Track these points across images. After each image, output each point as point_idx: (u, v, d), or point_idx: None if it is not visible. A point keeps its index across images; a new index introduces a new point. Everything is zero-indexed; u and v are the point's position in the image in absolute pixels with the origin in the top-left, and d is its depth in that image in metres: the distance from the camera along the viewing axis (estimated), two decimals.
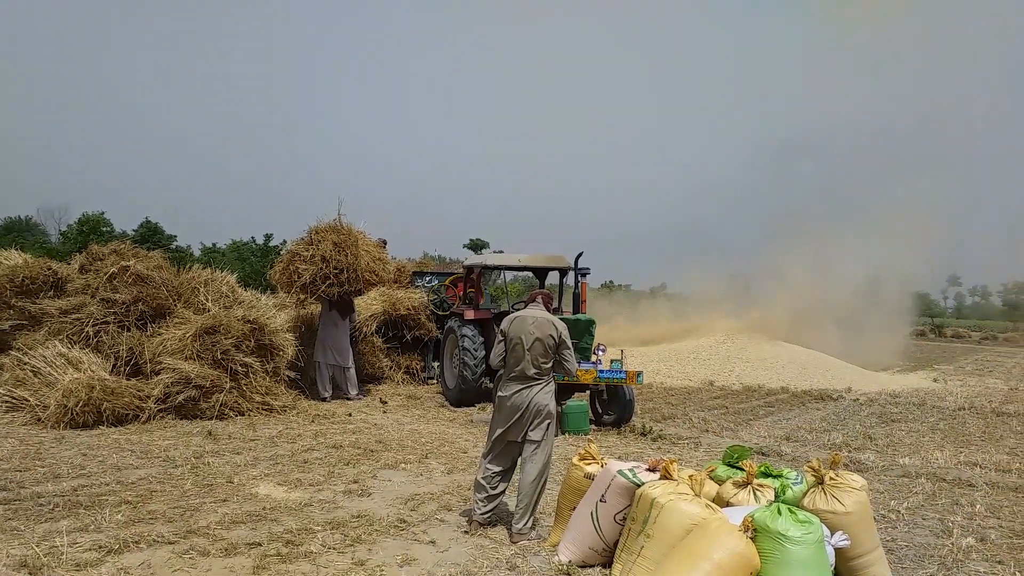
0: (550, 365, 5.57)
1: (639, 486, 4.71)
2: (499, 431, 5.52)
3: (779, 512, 4.04)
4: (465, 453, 8.11)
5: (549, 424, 5.52)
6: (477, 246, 68.68)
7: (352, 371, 11.51)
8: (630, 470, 4.82)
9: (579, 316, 10.13)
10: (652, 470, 4.82)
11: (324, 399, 11.15)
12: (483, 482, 5.52)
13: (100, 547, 4.82)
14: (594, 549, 4.85)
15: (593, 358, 10.01)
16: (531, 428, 5.47)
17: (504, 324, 5.66)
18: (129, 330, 9.83)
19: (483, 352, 11.03)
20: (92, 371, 9.00)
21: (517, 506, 5.43)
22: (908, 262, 34.07)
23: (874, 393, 15.46)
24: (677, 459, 4.84)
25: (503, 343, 5.59)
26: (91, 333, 9.69)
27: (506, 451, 5.57)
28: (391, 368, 12.91)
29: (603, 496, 4.83)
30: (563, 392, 10.31)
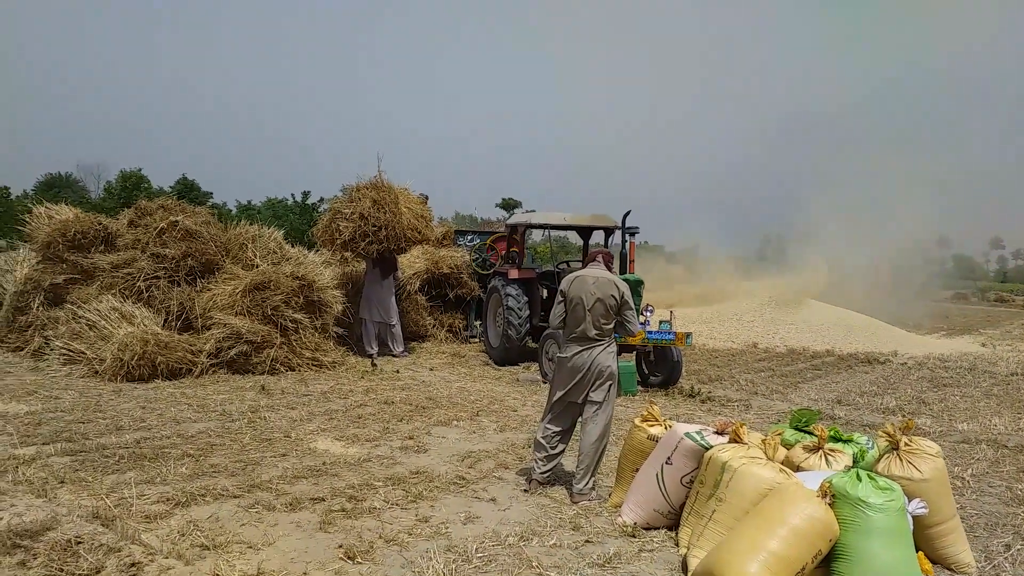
0: (611, 326, 5.47)
1: (707, 449, 4.63)
2: (559, 393, 5.47)
3: (859, 478, 3.93)
4: (515, 412, 8.10)
5: (611, 385, 5.45)
6: (509, 205, 68.46)
7: (398, 328, 11.53)
8: (698, 432, 4.74)
9: (628, 276, 9.98)
10: (720, 433, 4.74)
11: (370, 356, 11.20)
12: (543, 441, 5.49)
13: (168, 499, 4.88)
14: (659, 511, 4.80)
15: (641, 319, 9.89)
16: (592, 389, 5.41)
17: (564, 284, 5.56)
18: (179, 285, 9.91)
19: (527, 311, 10.97)
20: (145, 325, 9.11)
21: (578, 467, 5.40)
22: (947, 225, 33.35)
23: (921, 357, 15.16)
24: (743, 423, 4.75)
25: (563, 303, 5.49)
26: (142, 288, 9.78)
27: (566, 412, 5.53)
28: (434, 326, 12.93)
29: (669, 458, 4.76)
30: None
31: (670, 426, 5.13)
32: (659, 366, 10.07)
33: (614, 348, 5.51)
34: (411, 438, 6.75)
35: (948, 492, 4.51)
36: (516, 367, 11.16)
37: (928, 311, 26.97)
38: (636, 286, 9.88)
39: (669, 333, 9.59)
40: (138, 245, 10.31)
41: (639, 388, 9.73)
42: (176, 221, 10.05)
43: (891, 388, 11.10)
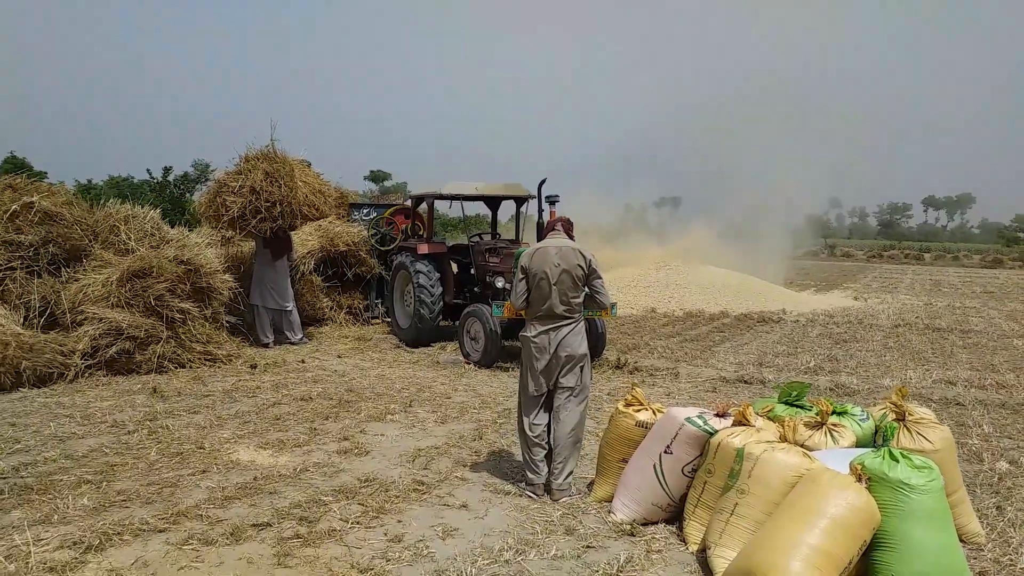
0: (580, 300, 4.96)
1: (711, 434, 4.23)
2: (534, 384, 4.91)
3: (893, 457, 3.63)
4: (449, 399, 7.47)
5: (583, 367, 4.95)
6: (379, 178, 66.76)
7: (295, 314, 10.54)
8: (699, 417, 4.32)
9: None
10: (721, 415, 4.35)
11: (266, 345, 10.18)
12: (536, 440, 4.90)
13: (75, 543, 3.96)
14: (658, 505, 4.38)
15: None
16: (562, 374, 4.89)
17: (524, 259, 4.98)
18: (40, 276, 8.51)
19: (439, 288, 10.30)
20: (2, 324, 7.74)
21: (555, 461, 4.88)
22: (794, 188, 35.51)
23: (810, 313, 15.72)
24: (749, 404, 4.39)
25: (524, 280, 4.93)
26: None
27: (548, 400, 4.98)
28: (332, 309, 11.96)
29: (668, 447, 4.33)
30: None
31: (659, 410, 4.70)
32: None
33: (583, 327, 5.01)
34: (346, 439, 6.00)
35: (955, 461, 4.35)
36: (430, 348, 10.48)
37: (790, 268, 28.29)
38: None
39: None
40: None
41: None
42: (31, 202, 8.59)
43: (798, 347, 11.31)
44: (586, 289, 4.97)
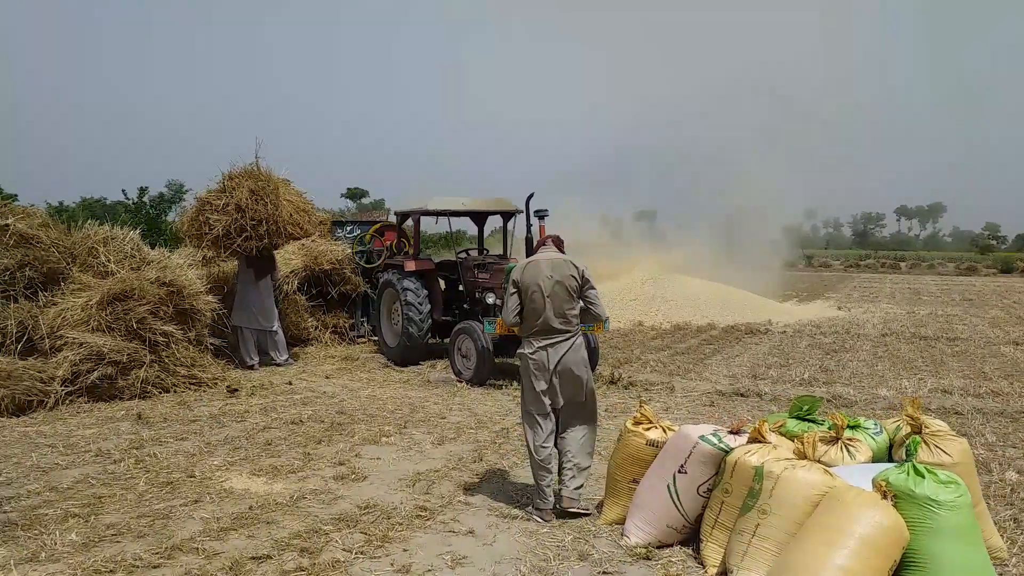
0: (576, 312, 4.85)
1: (727, 452, 4.11)
2: (538, 404, 4.77)
3: (918, 473, 3.53)
4: (444, 419, 7.30)
5: (587, 381, 4.84)
6: (356, 195, 66.44)
7: (280, 334, 10.30)
8: (713, 435, 4.21)
9: None
10: (736, 433, 4.23)
11: (251, 367, 9.93)
12: (543, 463, 4.74)
13: None
14: (673, 527, 4.24)
15: None
16: (565, 392, 4.78)
17: (515, 273, 4.89)
18: (16, 301, 8.23)
19: (428, 306, 10.13)
20: None
21: (565, 466, 4.79)
22: (770, 199, 35.95)
23: (797, 324, 15.72)
24: (764, 420, 4.27)
25: (516, 294, 4.82)
26: None
27: (553, 421, 4.84)
28: (317, 328, 11.73)
29: (683, 466, 4.20)
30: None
31: (671, 428, 4.57)
32: None
33: (582, 341, 4.89)
34: (342, 463, 5.81)
35: (975, 474, 4.26)
36: (419, 366, 10.30)
37: (773, 279, 28.42)
38: None
39: None
40: None
41: None
42: (7, 225, 8.32)
43: (790, 358, 11.26)
44: (580, 302, 4.87)
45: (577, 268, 4.82)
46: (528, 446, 4.82)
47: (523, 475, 5.54)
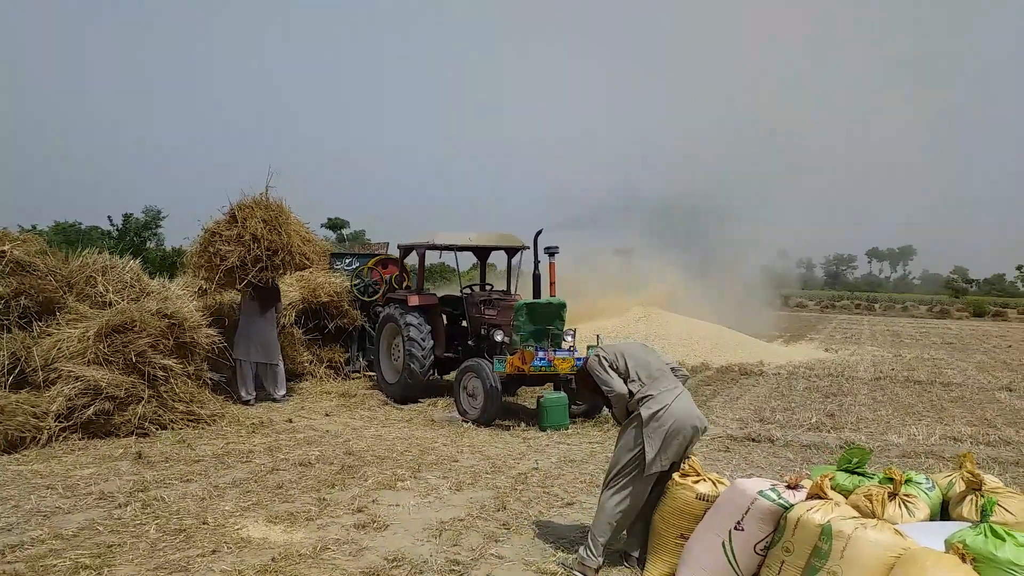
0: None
1: (787, 509, 3.95)
2: (659, 461, 4.46)
3: (997, 535, 3.39)
4: (456, 462, 7.08)
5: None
6: (337, 226, 65.91)
7: (280, 368, 10.03)
8: (772, 490, 4.05)
9: (551, 299, 9.25)
10: (793, 487, 4.08)
11: (247, 402, 9.63)
12: (618, 523, 4.58)
13: None
14: None
15: (565, 344, 9.20)
16: (684, 449, 4.56)
17: (607, 353, 4.75)
18: (9, 331, 7.91)
19: (431, 342, 9.93)
20: None
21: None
22: (750, 245, 36.51)
23: (789, 366, 15.71)
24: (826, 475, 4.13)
25: (614, 369, 4.65)
26: None
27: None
28: (312, 363, 11.46)
29: (739, 523, 4.03)
30: (529, 382, 9.45)
31: (719, 481, 4.42)
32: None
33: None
34: (360, 510, 5.57)
35: None
36: (419, 404, 10.06)
37: (753, 318, 28.53)
38: (560, 309, 9.18)
39: None
40: None
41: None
42: (3, 251, 8.02)
43: (791, 401, 11.19)
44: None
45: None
46: (612, 507, 4.53)
47: (552, 526, 5.35)
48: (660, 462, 4.40)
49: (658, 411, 4.45)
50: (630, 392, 4.57)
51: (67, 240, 29.32)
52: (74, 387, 7.49)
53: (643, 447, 4.42)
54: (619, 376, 4.61)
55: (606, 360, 4.68)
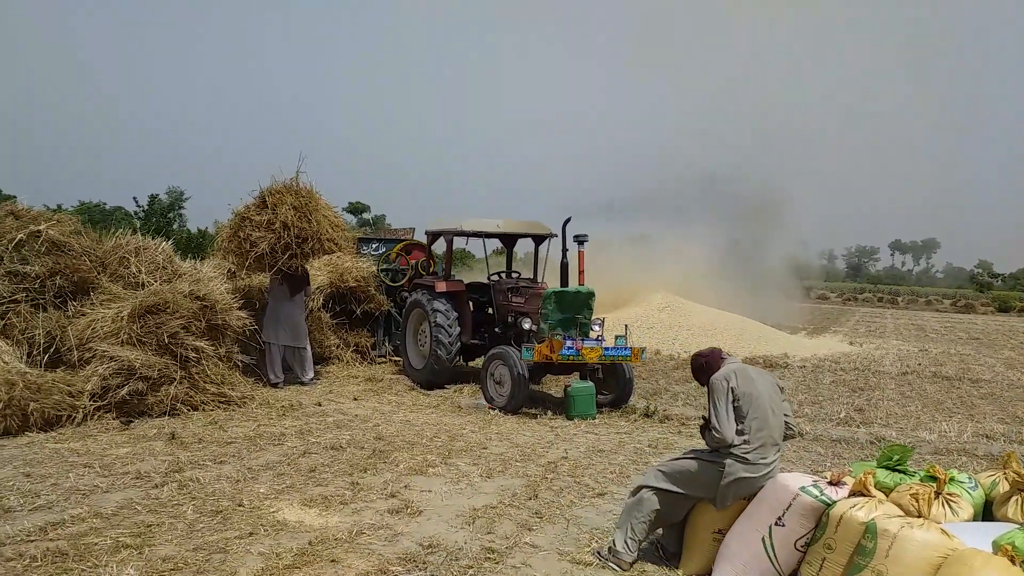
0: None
1: (829, 505, 3.92)
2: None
3: None
4: (485, 449, 7.10)
5: None
6: (358, 210, 66.06)
7: (308, 352, 10.10)
8: (814, 486, 4.02)
9: (579, 288, 9.22)
10: (835, 484, 4.05)
11: (276, 385, 9.72)
12: (653, 524, 4.56)
13: None
14: None
15: (593, 333, 9.17)
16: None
17: (739, 384, 4.33)
18: (45, 310, 8.01)
19: (458, 328, 9.94)
20: (5, 362, 7.23)
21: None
22: (772, 234, 36.19)
23: (815, 359, 15.59)
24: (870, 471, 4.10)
25: (726, 402, 4.27)
26: None
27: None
28: (339, 347, 11.52)
29: (780, 519, 4.01)
30: (555, 371, 9.43)
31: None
32: (609, 384, 9.38)
33: None
34: (393, 495, 5.60)
35: None
36: (445, 390, 10.09)
37: (776, 309, 28.31)
38: (588, 298, 9.15)
39: (625, 349, 8.92)
40: None
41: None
42: (39, 231, 8.10)
43: (819, 395, 11.10)
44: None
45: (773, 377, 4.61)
46: (652, 510, 4.49)
47: (585, 516, 5.35)
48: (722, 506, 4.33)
49: (744, 479, 4.21)
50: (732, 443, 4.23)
51: (91, 220, 29.68)
52: (108, 367, 7.58)
53: (713, 495, 4.31)
54: (734, 415, 4.27)
55: (734, 392, 4.30)
